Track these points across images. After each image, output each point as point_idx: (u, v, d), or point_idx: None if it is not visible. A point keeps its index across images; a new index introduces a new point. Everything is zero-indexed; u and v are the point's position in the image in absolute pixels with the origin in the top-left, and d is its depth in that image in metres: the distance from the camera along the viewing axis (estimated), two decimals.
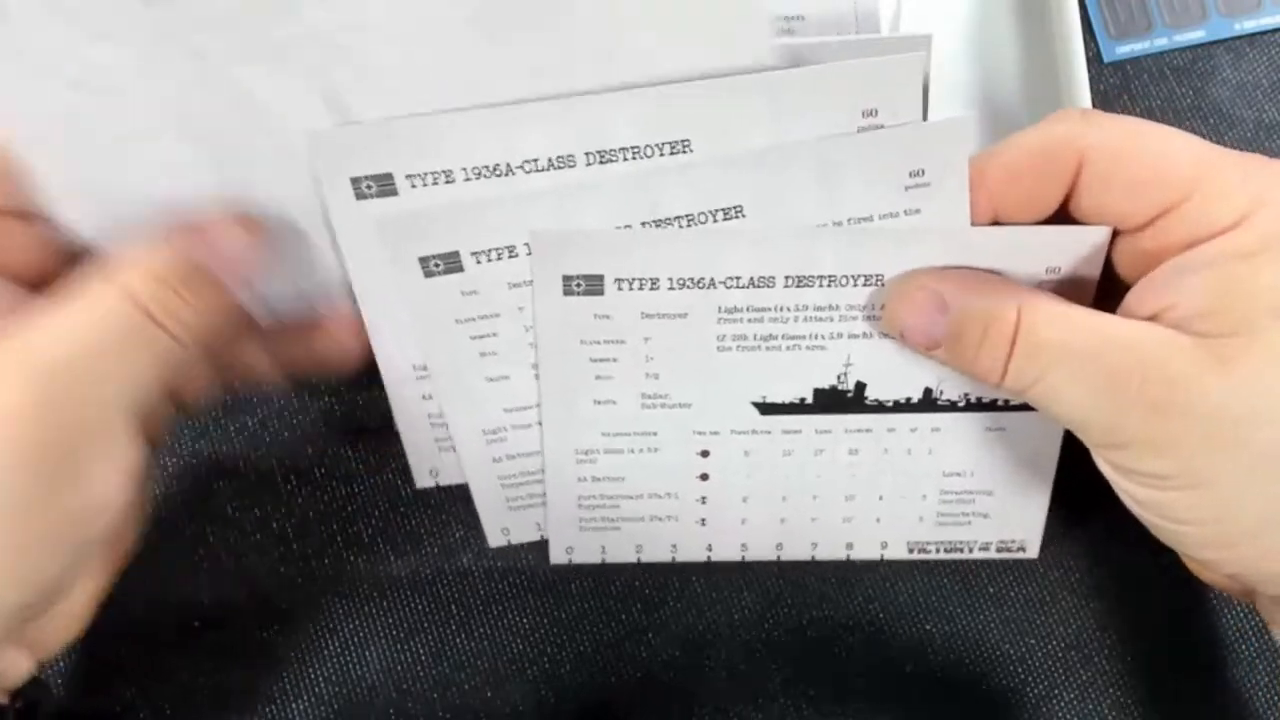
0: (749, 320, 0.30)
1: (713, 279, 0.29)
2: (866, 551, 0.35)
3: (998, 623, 0.37)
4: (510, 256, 0.29)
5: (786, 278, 0.29)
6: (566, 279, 0.29)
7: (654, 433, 0.32)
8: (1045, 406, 0.26)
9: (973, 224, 0.28)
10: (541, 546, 0.36)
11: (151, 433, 0.28)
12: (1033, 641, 0.37)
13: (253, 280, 0.28)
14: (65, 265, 0.28)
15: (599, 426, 0.32)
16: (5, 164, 0.27)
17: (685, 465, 0.33)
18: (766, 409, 0.31)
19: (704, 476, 0.33)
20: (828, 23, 0.33)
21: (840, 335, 0.30)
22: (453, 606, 0.36)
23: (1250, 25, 0.40)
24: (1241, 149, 0.26)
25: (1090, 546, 0.37)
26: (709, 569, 0.37)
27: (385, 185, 0.28)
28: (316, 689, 0.36)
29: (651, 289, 0.29)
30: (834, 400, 0.31)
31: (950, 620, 0.37)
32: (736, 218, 0.28)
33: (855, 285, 0.29)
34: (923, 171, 0.28)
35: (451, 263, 0.29)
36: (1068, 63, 0.36)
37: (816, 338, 0.30)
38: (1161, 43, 0.40)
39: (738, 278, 0.29)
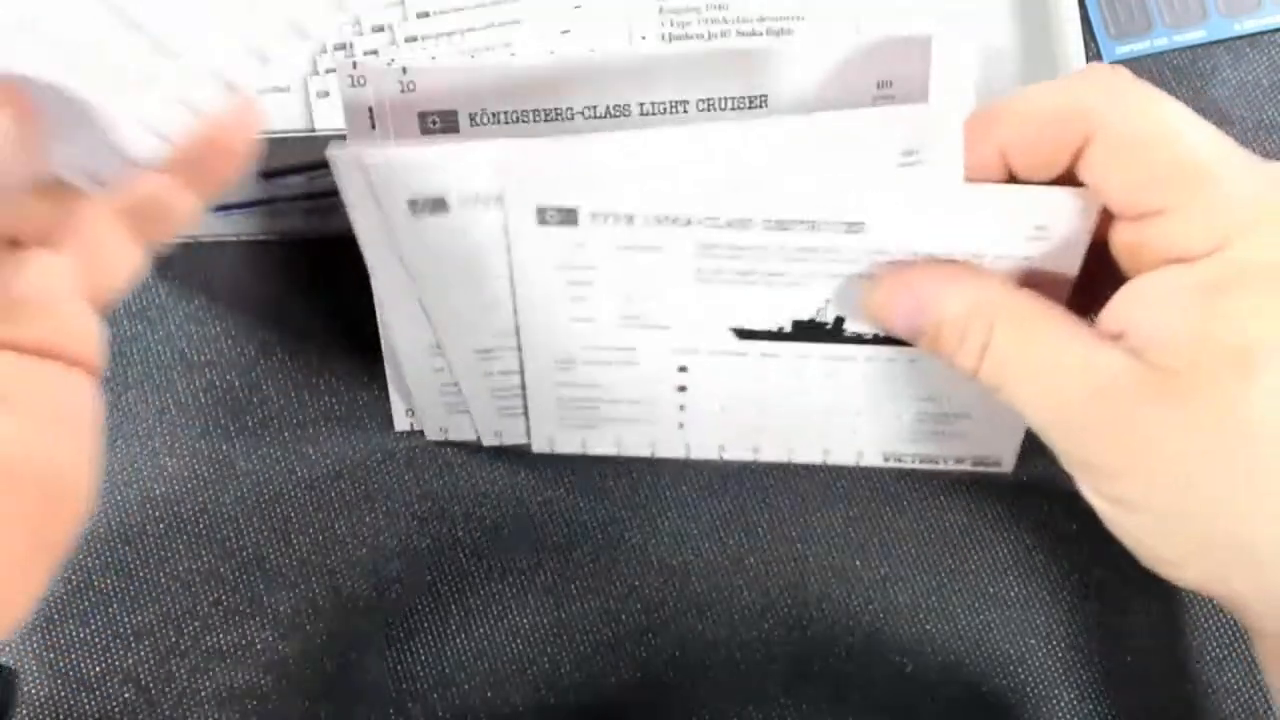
0: (727, 257, 0.30)
1: (689, 218, 0.29)
2: (842, 458, 0.35)
3: (998, 623, 0.37)
4: (497, 204, 0.29)
5: (765, 220, 0.28)
6: (541, 210, 0.29)
7: (632, 348, 0.32)
8: (1012, 409, 0.27)
9: (981, 175, 0.27)
10: (538, 537, 0.36)
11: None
12: (1033, 641, 0.37)
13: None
14: None
15: (577, 340, 0.32)
16: None
17: (663, 377, 0.33)
18: (745, 335, 0.32)
19: (682, 388, 0.33)
20: None
21: (819, 275, 0.30)
22: (453, 606, 0.36)
23: (1250, 25, 0.40)
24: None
25: (1090, 544, 0.37)
26: (708, 567, 0.37)
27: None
28: (317, 689, 0.36)
29: (627, 224, 0.29)
30: (813, 332, 0.31)
31: (950, 620, 0.37)
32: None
33: (836, 231, 0.28)
34: (916, 150, 0.28)
35: (438, 205, 0.29)
36: (1068, 63, 0.36)
37: (795, 276, 0.30)
38: (1161, 43, 0.40)
39: (715, 218, 0.29)
